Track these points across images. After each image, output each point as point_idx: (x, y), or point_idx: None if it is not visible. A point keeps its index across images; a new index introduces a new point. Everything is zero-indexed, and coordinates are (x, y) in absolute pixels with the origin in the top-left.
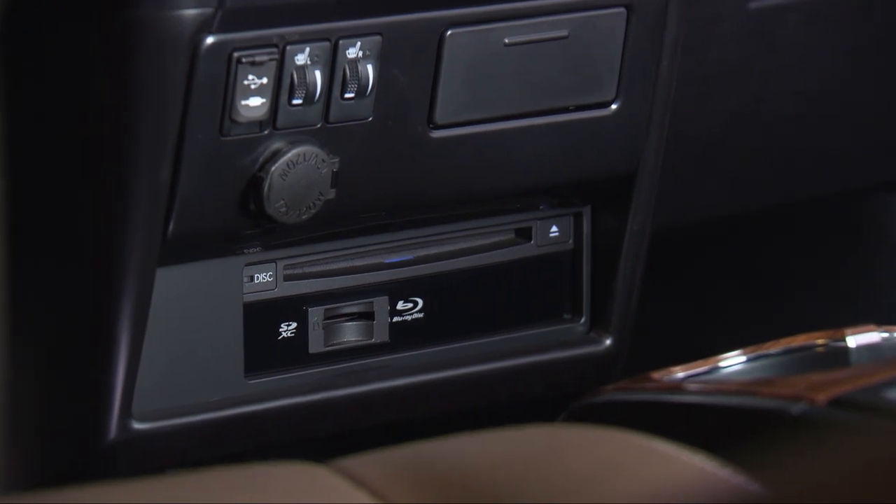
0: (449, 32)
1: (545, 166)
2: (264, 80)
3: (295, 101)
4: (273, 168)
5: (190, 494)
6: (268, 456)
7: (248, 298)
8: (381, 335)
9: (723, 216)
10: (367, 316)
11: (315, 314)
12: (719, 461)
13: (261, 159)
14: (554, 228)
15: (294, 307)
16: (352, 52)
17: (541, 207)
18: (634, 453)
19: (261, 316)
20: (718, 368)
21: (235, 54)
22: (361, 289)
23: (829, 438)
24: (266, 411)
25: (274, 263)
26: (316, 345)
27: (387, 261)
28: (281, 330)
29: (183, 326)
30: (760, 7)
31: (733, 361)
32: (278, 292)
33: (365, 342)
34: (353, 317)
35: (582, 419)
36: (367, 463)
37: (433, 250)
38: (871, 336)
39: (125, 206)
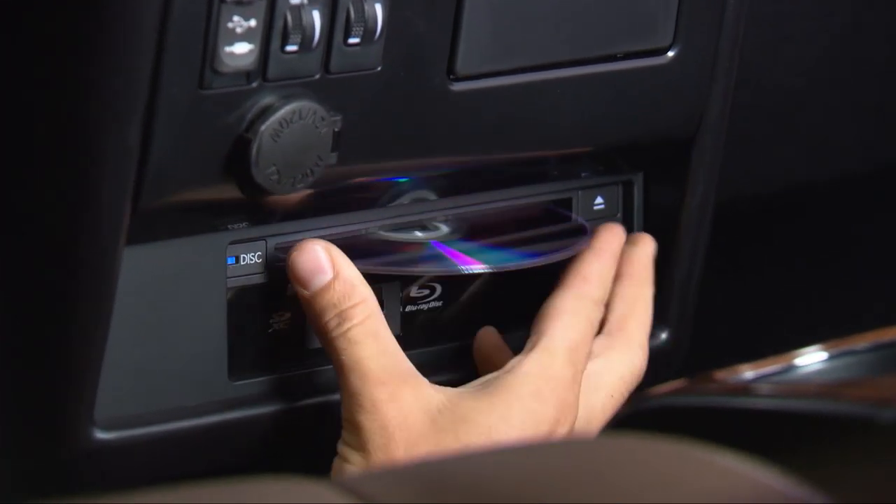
0: None
1: (588, 126)
2: (252, 23)
3: (289, 48)
4: (263, 127)
5: None
6: (256, 469)
7: (233, 283)
8: (391, 327)
9: (801, 186)
10: None
11: None
12: (795, 478)
13: (248, 117)
14: (599, 200)
15: (287, 294)
16: None
17: (583, 175)
18: (693, 468)
19: (247, 304)
20: (794, 367)
21: None
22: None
23: None
24: (254, 417)
25: (263, 242)
26: (313, 339)
27: None
28: (271, 321)
29: (155, 317)
30: None
31: (812, 359)
32: (268, 276)
33: None
34: None
35: (631, 427)
36: (374, 478)
37: None
38: None
39: (87, 172)
